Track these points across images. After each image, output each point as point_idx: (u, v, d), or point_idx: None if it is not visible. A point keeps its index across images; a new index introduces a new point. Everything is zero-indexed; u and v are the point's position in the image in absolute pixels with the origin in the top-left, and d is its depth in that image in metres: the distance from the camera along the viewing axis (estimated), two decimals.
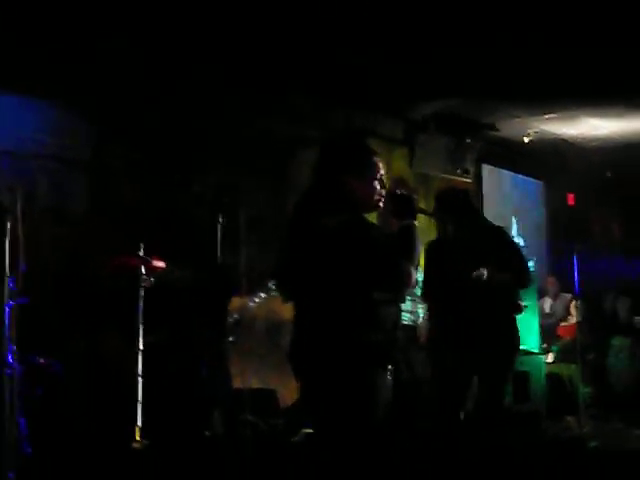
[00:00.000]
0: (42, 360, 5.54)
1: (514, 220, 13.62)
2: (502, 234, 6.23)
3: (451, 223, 6.07)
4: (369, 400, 3.98)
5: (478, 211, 6.52)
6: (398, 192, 4.18)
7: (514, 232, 13.59)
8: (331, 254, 3.88)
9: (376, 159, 4.09)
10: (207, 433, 6.27)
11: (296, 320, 4.13)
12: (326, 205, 3.94)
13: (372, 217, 4.15)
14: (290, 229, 4.11)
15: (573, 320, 10.99)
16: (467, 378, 5.97)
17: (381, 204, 4.11)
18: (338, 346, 3.94)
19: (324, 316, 3.98)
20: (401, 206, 4.10)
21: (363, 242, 3.89)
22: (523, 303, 6.17)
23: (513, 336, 6.03)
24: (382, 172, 4.08)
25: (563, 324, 11.53)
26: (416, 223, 4.05)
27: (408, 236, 4.03)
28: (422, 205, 10.69)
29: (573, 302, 10.95)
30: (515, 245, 6.39)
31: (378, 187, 4.07)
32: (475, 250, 5.89)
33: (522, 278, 6.03)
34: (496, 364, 5.89)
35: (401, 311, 4.16)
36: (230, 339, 6.97)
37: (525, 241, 13.73)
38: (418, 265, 4.05)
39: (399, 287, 4.10)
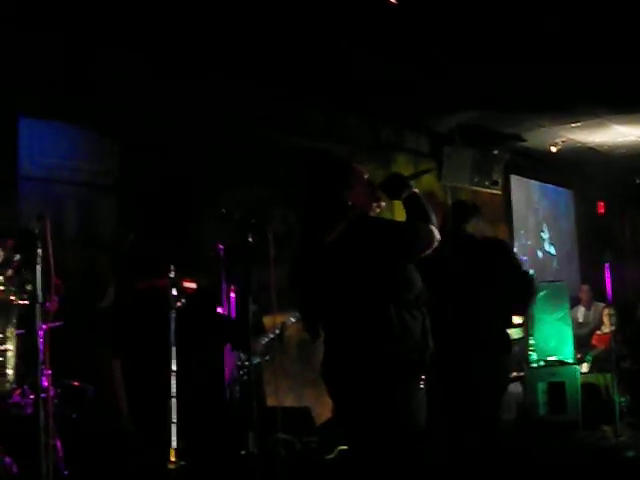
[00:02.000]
0: (76, 383, 5.59)
1: (545, 229, 13.59)
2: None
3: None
4: (405, 412, 3.98)
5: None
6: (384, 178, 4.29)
7: (546, 241, 13.56)
8: (349, 254, 3.98)
9: (354, 166, 4.21)
10: (242, 452, 6.28)
11: (326, 340, 4.15)
12: (331, 221, 4.05)
13: None
14: (302, 255, 4.17)
15: (606, 329, 10.92)
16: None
17: (379, 202, 4.24)
18: (369, 361, 3.96)
19: (352, 332, 4.02)
20: (392, 186, 4.22)
21: (375, 225, 4.05)
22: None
23: None
24: (365, 175, 4.19)
25: (598, 333, 11.45)
26: (416, 190, 4.16)
27: (414, 204, 4.15)
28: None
29: (605, 310, 10.88)
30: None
31: (368, 188, 4.19)
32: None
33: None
34: None
35: (426, 317, 4.14)
36: (266, 358, 6.99)
37: (556, 250, 13.70)
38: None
39: (425, 246, 4.11)
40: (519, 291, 5.68)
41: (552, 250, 13.75)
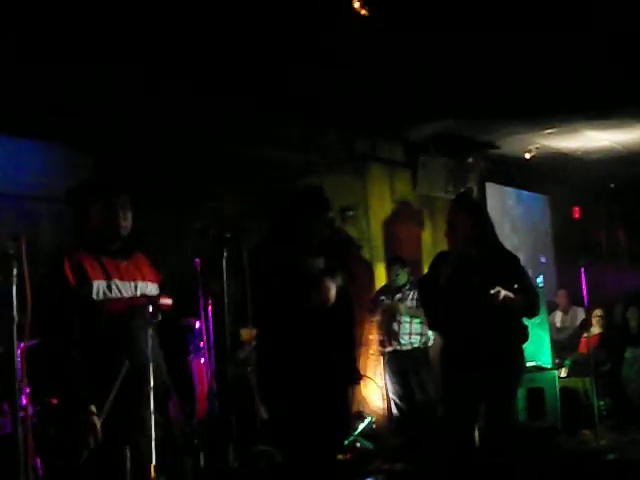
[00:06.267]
0: (55, 400, 5.56)
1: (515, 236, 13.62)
2: (517, 260, 5.88)
3: (466, 236, 5.66)
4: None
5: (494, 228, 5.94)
6: None
7: (529, 249, 13.59)
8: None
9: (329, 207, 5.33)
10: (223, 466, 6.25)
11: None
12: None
13: None
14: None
15: (596, 331, 10.96)
16: (476, 402, 5.69)
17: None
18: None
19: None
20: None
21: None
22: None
23: (521, 359, 5.89)
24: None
25: (585, 336, 11.48)
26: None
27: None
28: (428, 225, 10.85)
29: (595, 312, 10.94)
30: (527, 274, 6.06)
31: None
32: (492, 270, 5.57)
33: (534, 307, 5.73)
34: (506, 387, 5.71)
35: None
36: (248, 369, 6.99)
37: (524, 256, 13.74)
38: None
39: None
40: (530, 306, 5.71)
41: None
